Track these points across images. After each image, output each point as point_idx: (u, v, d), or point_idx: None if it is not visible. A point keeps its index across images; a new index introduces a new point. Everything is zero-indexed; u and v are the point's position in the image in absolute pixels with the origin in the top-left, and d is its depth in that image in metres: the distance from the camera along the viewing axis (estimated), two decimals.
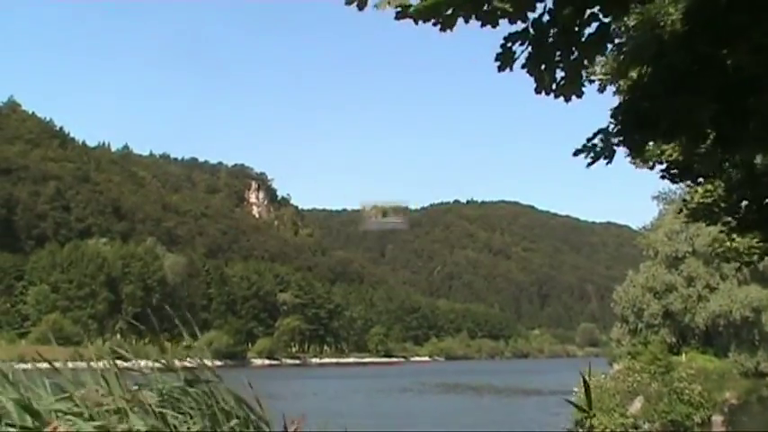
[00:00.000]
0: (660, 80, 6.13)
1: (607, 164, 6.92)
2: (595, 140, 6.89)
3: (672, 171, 12.24)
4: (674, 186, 46.33)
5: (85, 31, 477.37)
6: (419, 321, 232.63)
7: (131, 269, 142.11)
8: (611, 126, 7.06)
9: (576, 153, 6.87)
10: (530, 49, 5.09)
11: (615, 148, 6.99)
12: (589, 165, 6.98)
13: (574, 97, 5.38)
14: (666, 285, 64.32)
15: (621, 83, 10.47)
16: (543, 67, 5.17)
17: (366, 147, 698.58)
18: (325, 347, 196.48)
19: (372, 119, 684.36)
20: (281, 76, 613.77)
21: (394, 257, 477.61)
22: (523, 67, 5.16)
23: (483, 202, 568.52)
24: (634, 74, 7.80)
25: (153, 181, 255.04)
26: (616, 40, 8.31)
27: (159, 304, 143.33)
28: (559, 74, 5.23)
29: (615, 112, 7.12)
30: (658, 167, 12.93)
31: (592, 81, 12.30)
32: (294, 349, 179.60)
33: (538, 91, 5.23)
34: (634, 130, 6.63)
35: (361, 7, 4.62)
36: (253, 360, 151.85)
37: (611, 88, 11.94)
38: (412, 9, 4.63)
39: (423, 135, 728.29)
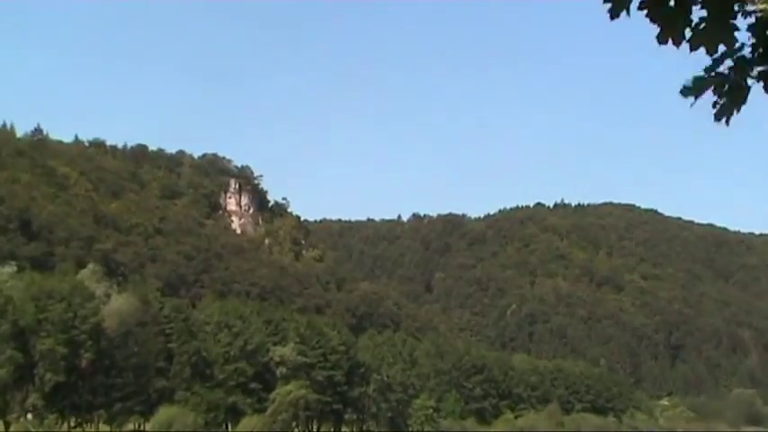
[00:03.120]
0: None
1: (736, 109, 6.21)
2: (722, 69, 6.06)
3: None
4: None
5: None
6: (485, 388, 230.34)
7: (50, 314, 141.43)
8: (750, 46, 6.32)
9: (687, 92, 6.08)
10: None
11: (751, 82, 6.26)
12: (718, 117, 6.36)
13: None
14: None
15: None
16: (672, 3, 5.11)
17: (400, 137, 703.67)
18: (345, 429, 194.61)
19: (410, 105, 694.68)
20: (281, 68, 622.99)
21: (446, 291, 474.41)
22: (642, 7, 5.13)
23: (579, 206, 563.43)
24: None
25: (81, 180, 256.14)
26: None
27: (93, 368, 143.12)
28: (697, 14, 5.17)
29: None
30: None
31: (747, 14, 11.48)
32: (298, 431, 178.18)
33: (663, 39, 5.19)
34: None
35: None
36: None
37: None
38: None
39: (486, 121, 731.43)
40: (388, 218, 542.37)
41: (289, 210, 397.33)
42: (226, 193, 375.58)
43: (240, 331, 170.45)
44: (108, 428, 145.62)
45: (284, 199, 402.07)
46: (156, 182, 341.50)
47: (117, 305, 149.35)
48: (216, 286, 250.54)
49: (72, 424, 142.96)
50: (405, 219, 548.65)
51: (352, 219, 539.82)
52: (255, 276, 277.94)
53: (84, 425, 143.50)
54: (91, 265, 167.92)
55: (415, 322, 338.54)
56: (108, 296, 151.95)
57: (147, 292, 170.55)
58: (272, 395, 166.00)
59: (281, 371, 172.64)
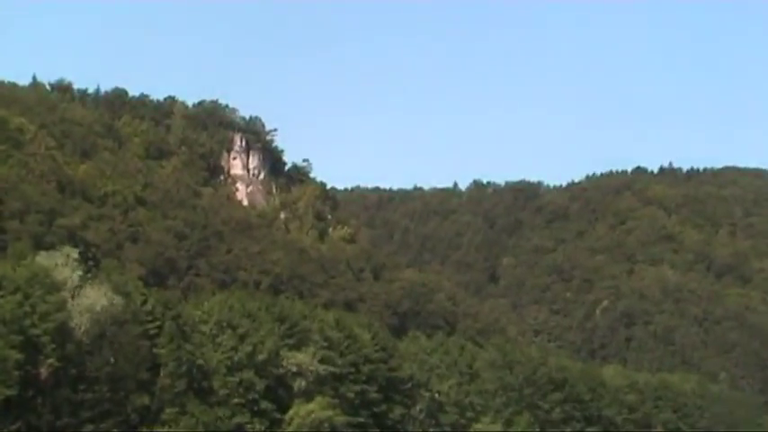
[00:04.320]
0: None
1: None
2: None
3: None
4: None
5: None
6: (567, 409, 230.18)
7: (0, 310, 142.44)
8: None
9: None
10: None
11: None
12: None
13: None
14: None
15: None
16: None
17: (457, 82, 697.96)
18: None
19: (470, 41, 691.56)
20: None
21: (516, 282, 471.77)
22: None
23: (693, 172, 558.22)
24: None
25: (40, 135, 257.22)
26: None
27: (56, 379, 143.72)
28: None
29: None
30: None
31: None
32: None
33: None
34: None
35: None
36: None
37: None
38: None
39: (566, 64, 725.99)
40: (441, 186, 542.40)
41: (311, 175, 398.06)
42: (229, 152, 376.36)
43: (247, 333, 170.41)
44: None
45: (305, 161, 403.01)
46: (139, 137, 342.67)
47: (88, 299, 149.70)
48: (216, 274, 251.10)
49: None
50: (463, 187, 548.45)
51: (394, 187, 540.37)
52: (267, 261, 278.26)
53: None
54: (67, 248, 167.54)
55: (475, 323, 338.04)
56: (78, 287, 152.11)
57: (126, 281, 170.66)
58: (289, 416, 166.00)
59: (299, 385, 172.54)
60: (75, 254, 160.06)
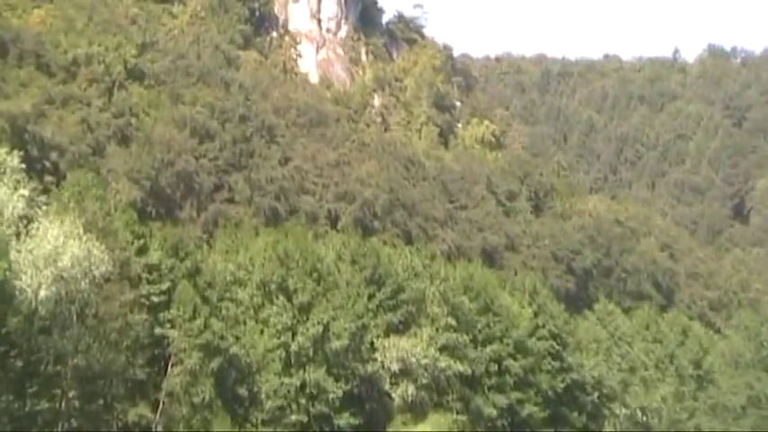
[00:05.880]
0: None
1: None
2: None
3: None
4: None
5: None
6: None
7: None
8: None
9: None
10: None
11: None
12: None
13: None
14: None
15: None
16: None
17: None
18: None
19: None
20: None
21: None
22: None
23: None
24: None
25: None
26: None
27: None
28: None
29: None
30: None
31: None
32: None
33: None
34: None
35: None
36: None
37: None
38: None
39: None
40: (651, 55, 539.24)
41: (426, 33, 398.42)
42: None
43: (314, 301, 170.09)
44: None
45: (418, 7, 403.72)
46: None
47: (44, 242, 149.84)
48: (261, 200, 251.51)
49: None
50: (690, 58, 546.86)
51: (569, 56, 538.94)
52: (351, 179, 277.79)
53: None
54: (6, 151, 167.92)
55: (707, 289, 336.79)
56: (24, 220, 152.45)
57: (109, 210, 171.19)
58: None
59: (403, 391, 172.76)
60: (15, 160, 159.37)
